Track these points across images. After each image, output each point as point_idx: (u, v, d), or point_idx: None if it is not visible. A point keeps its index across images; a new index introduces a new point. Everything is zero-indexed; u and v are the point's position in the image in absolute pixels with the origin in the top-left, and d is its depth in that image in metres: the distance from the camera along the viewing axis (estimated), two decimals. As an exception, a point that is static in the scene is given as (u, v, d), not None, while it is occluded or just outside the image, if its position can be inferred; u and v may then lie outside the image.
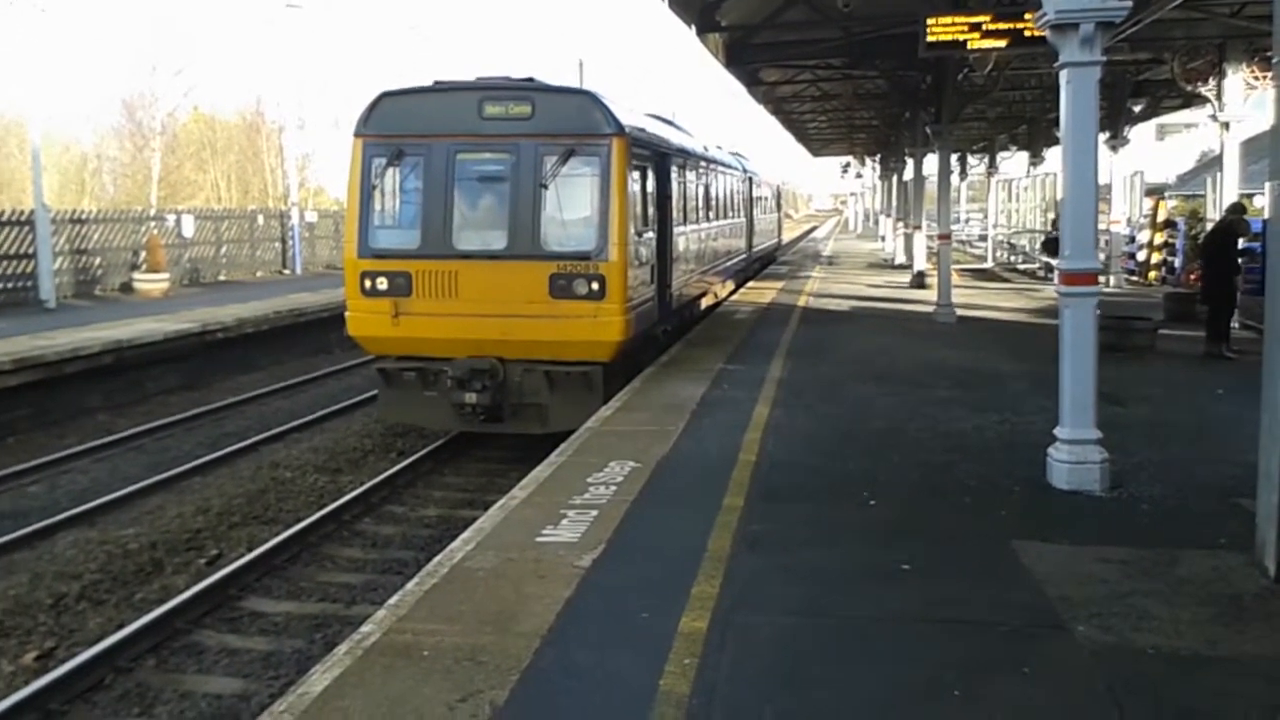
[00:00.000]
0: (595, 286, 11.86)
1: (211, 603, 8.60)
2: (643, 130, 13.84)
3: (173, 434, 15.26)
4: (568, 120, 12.17)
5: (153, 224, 29.90)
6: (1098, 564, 6.39)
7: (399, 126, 12.38)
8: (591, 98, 12.60)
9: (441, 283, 12.14)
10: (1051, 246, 17.57)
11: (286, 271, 35.87)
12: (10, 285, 23.89)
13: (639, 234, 12.94)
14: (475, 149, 12.31)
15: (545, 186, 11.99)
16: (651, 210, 13.94)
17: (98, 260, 27.35)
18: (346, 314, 12.68)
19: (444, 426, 13.14)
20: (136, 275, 27.46)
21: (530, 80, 12.75)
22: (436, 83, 12.93)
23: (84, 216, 28.20)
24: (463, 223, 12.30)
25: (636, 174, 12.91)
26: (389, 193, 12.73)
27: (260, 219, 36.81)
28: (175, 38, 76.87)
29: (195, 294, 27.61)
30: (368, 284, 12.30)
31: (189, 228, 31.25)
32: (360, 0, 79.57)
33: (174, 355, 18.84)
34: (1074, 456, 7.96)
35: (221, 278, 32.51)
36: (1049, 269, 17.44)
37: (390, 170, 12.50)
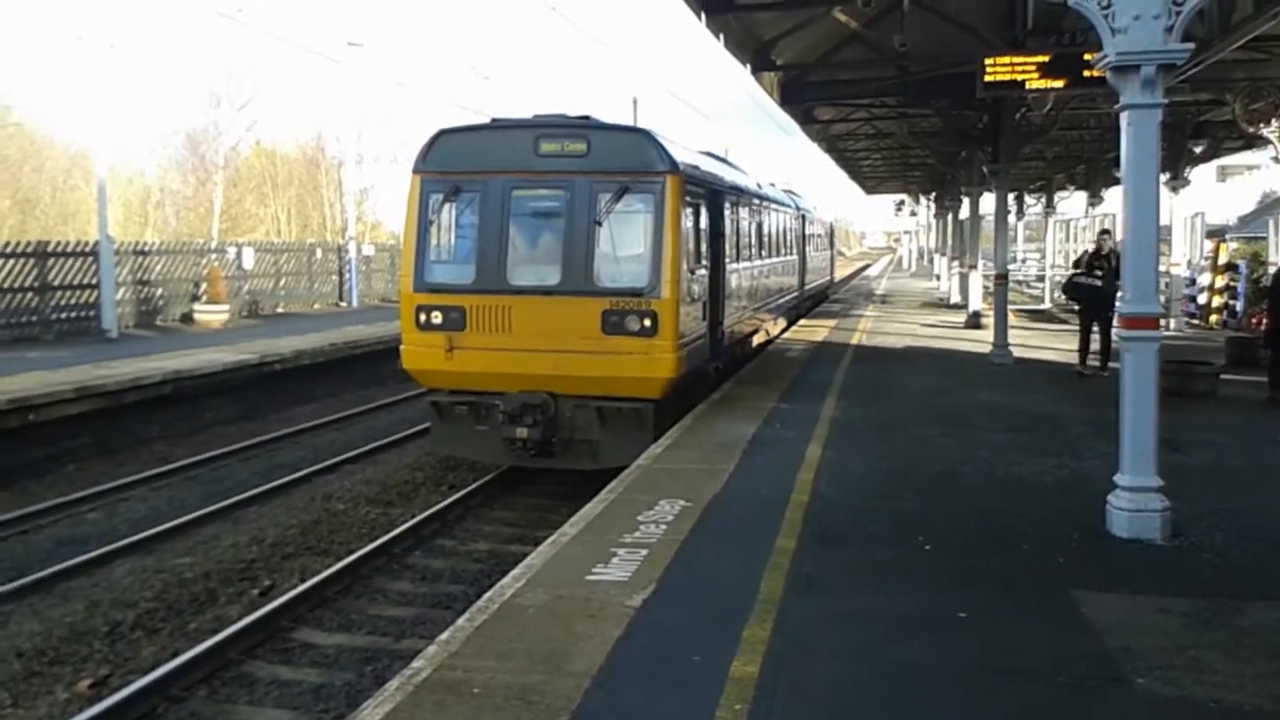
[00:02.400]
0: (647, 323, 11.88)
1: (264, 633, 8.65)
2: (696, 167, 13.88)
3: (229, 464, 15.44)
4: (622, 157, 12.26)
5: (214, 256, 30.48)
6: (1159, 615, 6.25)
7: (456, 163, 12.52)
8: (646, 135, 12.66)
9: (495, 317, 12.23)
10: (1076, 291, 17.06)
11: (343, 304, 36.31)
12: (74, 315, 24.39)
13: (691, 271, 12.97)
14: (531, 185, 12.40)
15: (599, 223, 12.07)
16: (704, 247, 13.95)
17: (159, 291, 27.88)
18: (402, 347, 12.80)
19: (495, 460, 13.17)
20: (197, 306, 27.96)
21: (586, 118, 12.88)
22: (494, 120, 13.17)
23: (147, 248, 28.79)
24: (517, 258, 12.38)
25: (690, 211, 12.94)
26: (445, 228, 12.87)
27: (318, 252, 37.37)
28: (239, 73, 78.31)
29: (254, 325, 28.01)
30: (423, 318, 12.43)
31: (249, 260, 31.79)
32: (420, 39, 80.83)
33: (232, 386, 19.11)
34: (1134, 504, 7.81)
35: (280, 310, 32.98)
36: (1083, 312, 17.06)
37: (447, 206, 12.64)
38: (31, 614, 9.25)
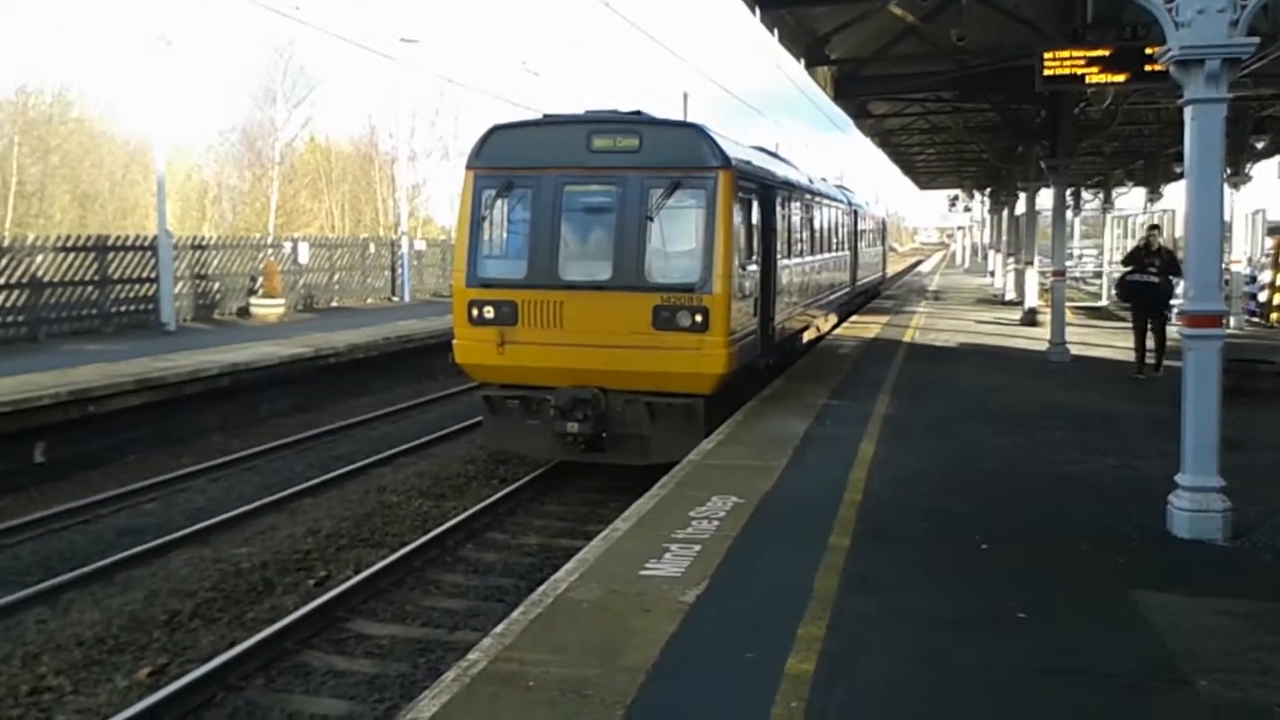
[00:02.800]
0: (698, 319, 11.86)
1: (319, 624, 8.75)
2: (748, 163, 13.80)
3: (284, 456, 15.63)
4: (674, 153, 12.25)
5: (269, 251, 30.86)
6: (1220, 616, 6.15)
7: (509, 159, 12.57)
8: (699, 131, 12.63)
9: (547, 312, 12.28)
10: (1129, 290, 16.23)
11: (395, 298, 36.62)
12: (133, 308, 24.83)
13: (743, 267, 12.92)
14: (583, 181, 12.44)
15: (651, 219, 12.07)
16: (755, 243, 13.91)
17: (216, 285, 28.29)
18: (454, 341, 12.89)
19: (545, 455, 13.20)
20: (253, 300, 28.34)
21: (638, 113, 12.91)
22: (546, 116, 13.22)
23: (204, 243, 29.21)
24: (569, 254, 12.41)
25: (741, 207, 12.90)
26: (498, 223, 12.93)
27: (371, 247, 37.73)
28: (294, 70, 79.23)
29: (309, 319, 28.32)
30: (475, 312, 12.51)
31: (304, 255, 32.16)
32: (472, 35, 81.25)
33: (288, 379, 19.34)
34: (1195, 504, 7.68)
35: (334, 304, 33.33)
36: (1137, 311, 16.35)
37: (500, 201, 12.70)
38: (92, 603, 9.42)
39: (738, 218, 12.59)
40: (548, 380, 12.36)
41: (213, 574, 10.07)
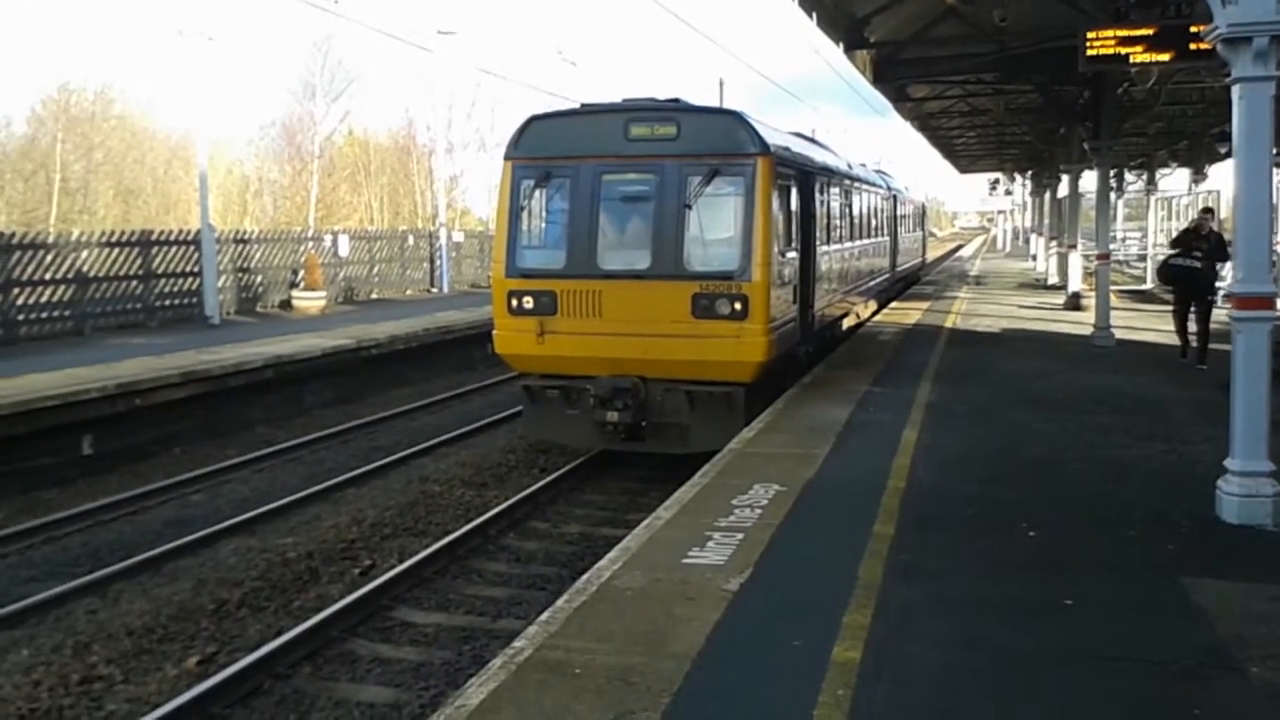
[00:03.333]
0: (738, 307, 11.82)
1: (365, 612, 8.83)
2: (787, 149, 13.73)
3: (328, 446, 15.77)
4: (713, 140, 12.20)
5: (310, 244, 31.11)
6: (1272, 603, 6.06)
7: (547, 149, 12.59)
8: (737, 117, 12.59)
9: (586, 302, 12.28)
10: (1170, 274, 15.78)
11: (434, 290, 36.79)
12: (178, 302, 25.13)
13: (782, 254, 12.86)
14: (621, 170, 12.40)
15: (689, 207, 12.02)
16: (795, 230, 13.85)
17: (259, 278, 28.57)
18: (494, 332, 12.93)
19: (586, 444, 13.24)
20: (295, 293, 28.58)
21: (676, 101, 12.87)
22: (584, 105, 13.25)
23: (246, 236, 29.49)
24: (607, 243, 12.41)
25: (780, 193, 12.82)
26: (536, 214, 12.95)
27: (410, 239, 37.92)
28: (333, 64, 79.77)
29: (349, 311, 28.53)
30: (514, 303, 12.53)
31: (344, 248, 32.39)
32: (508, 26, 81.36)
33: (330, 370, 19.50)
34: (1245, 489, 7.57)
35: (374, 296, 33.54)
36: (1179, 296, 15.76)
37: (538, 192, 12.72)
38: (141, 593, 9.55)
39: (776, 204, 12.50)
40: (587, 370, 12.38)
41: (259, 563, 10.18)
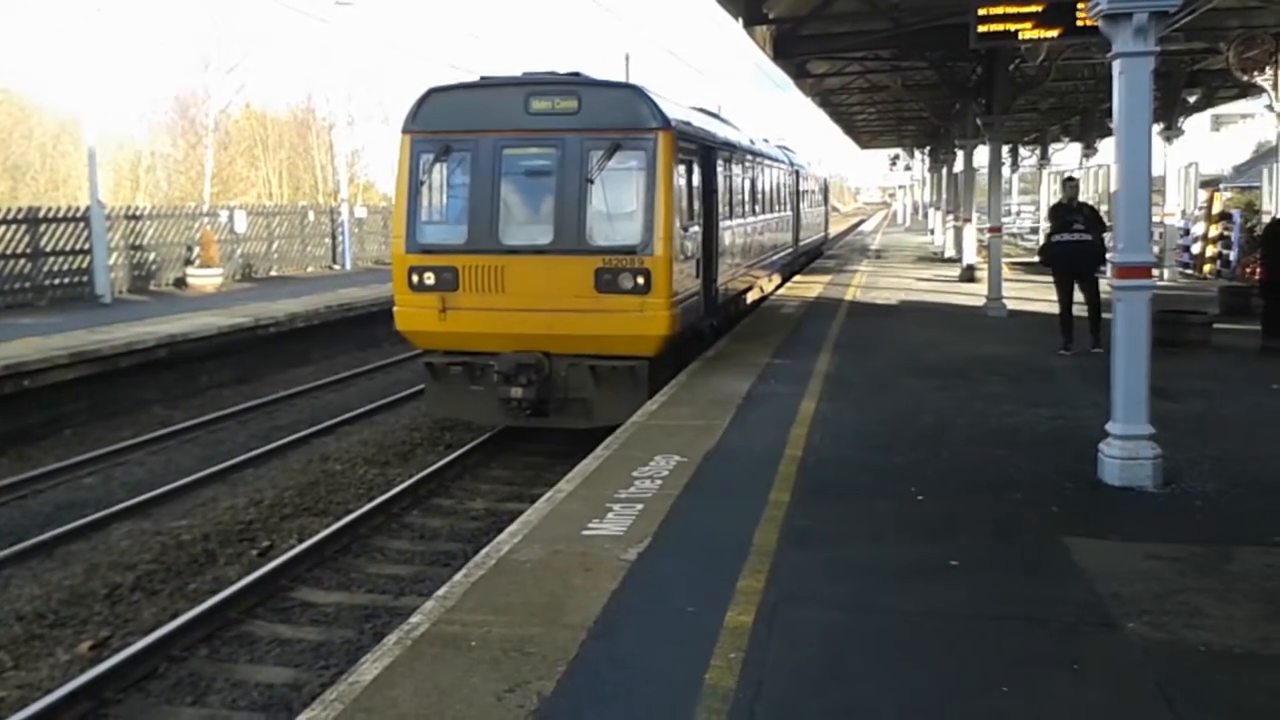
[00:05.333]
0: (641, 281, 11.85)
1: (263, 593, 8.70)
2: (688, 124, 13.72)
3: (226, 427, 15.47)
4: (613, 114, 12.16)
5: (206, 220, 30.33)
6: (1150, 561, 6.31)
7: (446, 122, 12.45)
8: (637, 91, 12.60)
9: (488, 278, 12.20)
10: (1056, 253, 14.47)
11: (336, 267, 36.19)
12: (67, 280, 24.31)
13: (685, 228, 12.86)
14: (522, 144, 12.30)
15: (591, 181, 11.97)
16: (697, 204, 13.88)
17: (152, 256, 27.77)
18: (395, 309, 12.79)
19: (490, 421, 13.15)
20: (190, 270, 27.88)
21: (577, 75, 12.81)
22: (483, 78, 13.01)
23: (138, 213, 28.61)
24: (509, 218, 12.32)
25: (682, 168, 12.85)
26: (436, 188, 12.80)
27: (311, 215, 37.20)
28: (227, 35, 77.80)
29: (248, 289, 27.94)
30: (415, 279, 12.41)
31: (241, 224, 31.65)
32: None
33: (227, 349, 19.10)
34: (1126, 452, 7.86)
35: (273, 273, 32.88)
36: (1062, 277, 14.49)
37: (438, 166, 12.58)
38: (31, 578, 9.29)
39: (678, 179, 12.53)
40: (491, 346, 12.31)
41: (154, 546, 9.97)
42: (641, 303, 11.87)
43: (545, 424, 12.72)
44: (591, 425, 12.08)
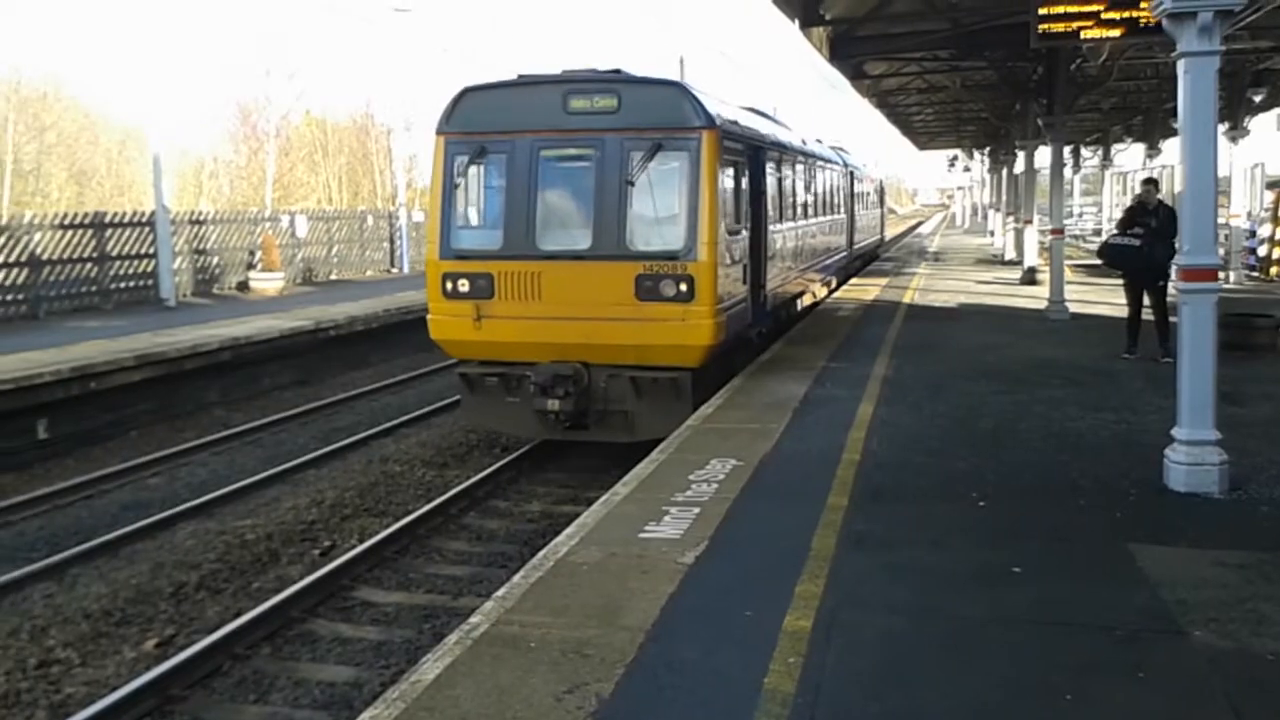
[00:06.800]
0: (684, 288, 11.37)
1: (325, 592, 8.83)
2: (735, 122, 13.27)
3: (287, 428, 15.70)
4: (655, 113, 11.73)
5: (267, 224, 30.82)
6: (1216, 568, 6.20)
7: (482, 123, 12.08)
8: (680, 88, 12.19)
9: (524, 284, 11.80)
10: (1112, 255, 14.09)
11: (394, 270, 36.58)
12: (133, 284, 24.83)
13: (731, 232, 12.42)
14: (559, 145, 11.90)
15: (632, 183, 11.56)
16: (745, 207, 13.42)
17: (215, 260, 28.28)
18: (429, 316, 12.47)
19: (526, 433, 12.76)
20: (252, 274, 28.35)
21: (617, 72, 12.39)
22: (520, 77, 12.54)
23: (202, 218, 29.15)
24: (546, 222, 11.93)
25: (729, 169, 12.47)
26: (472, 191, 12.50)
27: (369, 219, 37.66)
28: (288, 43, 78.86)
29: (308, 292, 28.33)
30: (449, 286, 12.04)
31: (302, 228, 32.11)
32: (468, 3, 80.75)
33: (289, 352, 19.39)
34: (1192, 458, 7.72)
35: (333, 276, 33.31)
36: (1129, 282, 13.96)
37: (473, 168, 12.25)
38: (98, 576, 9.50)
39: (725, 180, 12.15)
40: (527, 355, 11.96)
41: (218, 546, 10.15)
42: (684, 311, 11.40)
43: (584, 437, 12.31)
44: (632, 439, 11.80)
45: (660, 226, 11.72)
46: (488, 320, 11.94)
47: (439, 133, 12.32)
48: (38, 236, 22.70)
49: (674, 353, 11.60)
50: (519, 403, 12.16)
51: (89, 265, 23.75)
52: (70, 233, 23.46)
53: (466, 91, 12.28)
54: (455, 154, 12.19)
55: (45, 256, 22.66)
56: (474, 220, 12.56)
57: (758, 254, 14.07)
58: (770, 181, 15.08)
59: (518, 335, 11.92)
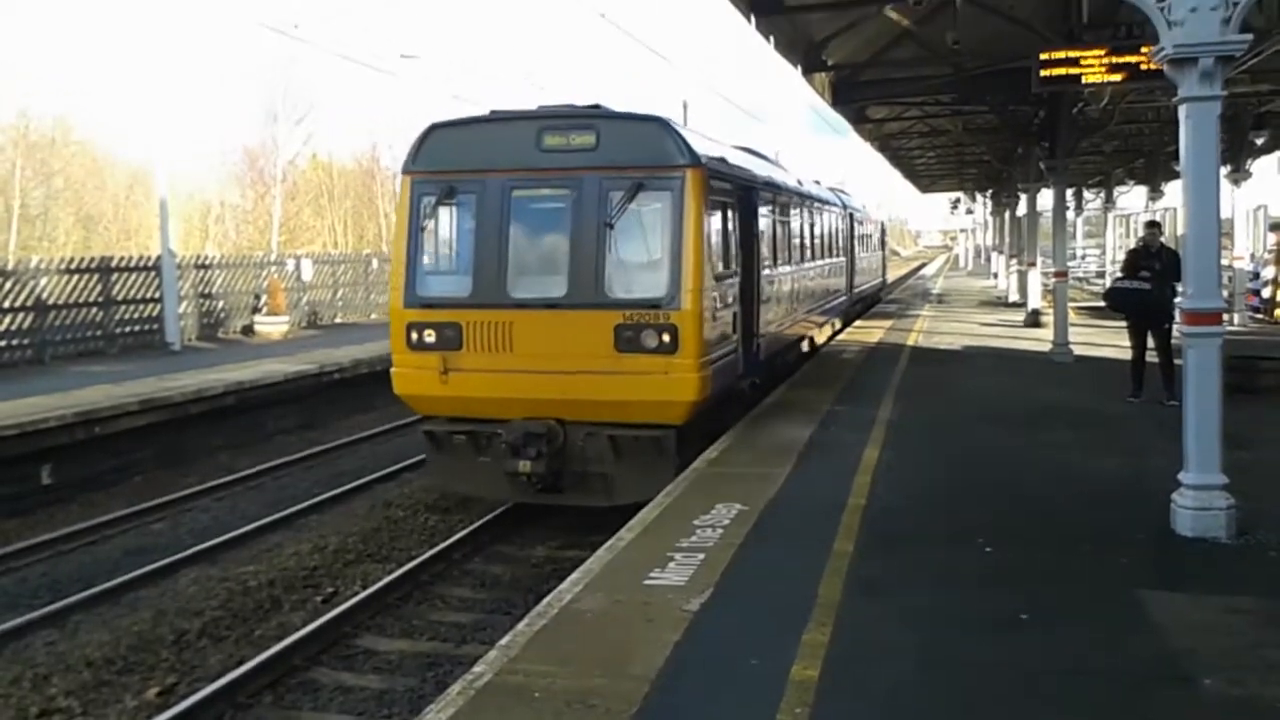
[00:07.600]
0: (666, 339, 10.57)
1: (327, 640, 8.77)
2: (723, 160, 12.54)
3: (291, 473, 15.67)
4: (636, 150, 10.94)
5: (273, 268, 30.95)
6: (1225, 614, 6.15)
7: (451, 161, 11.33)
8: (662, 124, 11.25)
9: (495, 335, 11.00)
10: (1119, 300, 14.01)
11: (399, 313, 36.57)
12: (138, 329, 24.90)
13: (719, 278, 11.57)
14: (533, 185, 11.16)
15: (610, 226, 10.77)
16: (734, 251, 12.54)
17: (221, 304, 28.37)
18: (392, 370, 11.61)
19: (496, 496, 11.86)
20: (258, 318, 28.42)
21: (596, 107, 11.68)
22: (493, 112, 11.77)
23: (208, 262, 29.29)
24: (519, 268, 11.11)
25: (716, 211, 11.64)
26: (439, 235, 11.71)
27: (374, 262, 37.77)
28: (295, 88, 79.49)
29: (313, 336, 28.37)
30: (414, 336, 11.23)
31: (308, 272, 32.25)
32: (474, 50, 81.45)
33: (293, 396, 19.39)
34: (1199, 502, 7.68)
35: (338, 320, 33.39)
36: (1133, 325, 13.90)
37: (441, 210, 11.47)
38: (100, 623, 9.46)
39: (711, 222, 11.30)
40: (498, 412, 11.09)
41: (220, 593, 10.10)
42: (667, 363, 10.59)
43: (558, 501, 11.48)
44: (611, 504, 10.93)
45: (641, 272, 10.99)
46: (455, 374, 11.11)
47: (405, 172, 11.66)
48: (44, 281, 22.80)
49: (656, 409, 10.83)
50: (490, 463, 11.32)
51: (94, 310, 23.84)
52: (76, 277, 23.56)
53: (434, 128, 11.54)
54: (422, 194, 11.44)
55: (51, 301, 22.74)
56: (442, 265, 11.76)
57: (749, 300, 13.25)
58: (764, 224, 14.38)
59: (487, 390, 11.11)
